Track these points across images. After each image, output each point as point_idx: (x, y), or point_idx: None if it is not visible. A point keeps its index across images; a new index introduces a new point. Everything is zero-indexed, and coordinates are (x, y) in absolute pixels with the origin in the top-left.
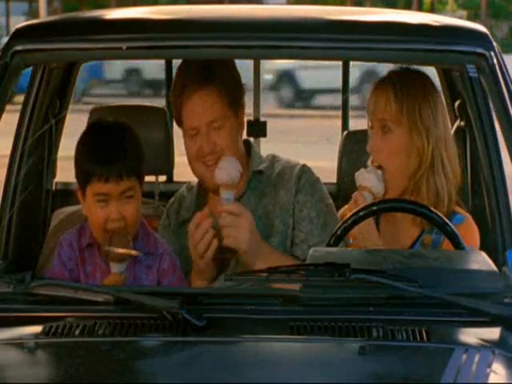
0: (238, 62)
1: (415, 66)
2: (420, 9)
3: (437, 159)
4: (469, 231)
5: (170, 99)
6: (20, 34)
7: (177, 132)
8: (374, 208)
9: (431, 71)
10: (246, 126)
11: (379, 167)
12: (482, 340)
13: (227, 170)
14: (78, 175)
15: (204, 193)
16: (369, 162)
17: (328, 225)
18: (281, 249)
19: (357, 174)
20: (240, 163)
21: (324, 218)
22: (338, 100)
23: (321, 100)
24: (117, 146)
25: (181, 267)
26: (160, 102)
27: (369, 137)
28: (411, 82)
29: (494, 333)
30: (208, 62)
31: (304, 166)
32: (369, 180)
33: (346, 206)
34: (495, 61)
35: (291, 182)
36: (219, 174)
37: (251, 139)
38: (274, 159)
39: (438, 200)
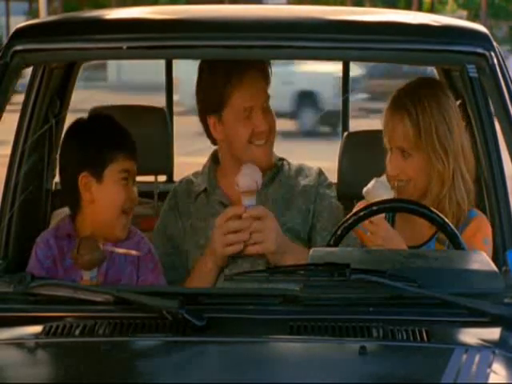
0: None
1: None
2: (420, 9)
3: (457, 174)
4: (484, 222)
5: (201, 88)
6: (20, 34)
7: (177, 132)
8: (375, 208)
9: (431, 71)
10: None
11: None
12: (482, 340)
13: (251, 176)
14: (91, 159)
15: (215, 174)
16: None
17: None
18: (300, 229)
19: (364, 191)
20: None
21: (339, 213)
22: None
23: None
24: (127, 132)
25: (190, 242)
26: None
27: (387, 158)
28: (424, 98)
29: (494, 333)
30: None
31: (319, 167)
32: (379, 195)
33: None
34: (495, 61)
35: (312, 177)
36: (243, 180)
37: None
38: (286, 159)
39: (459, 209)
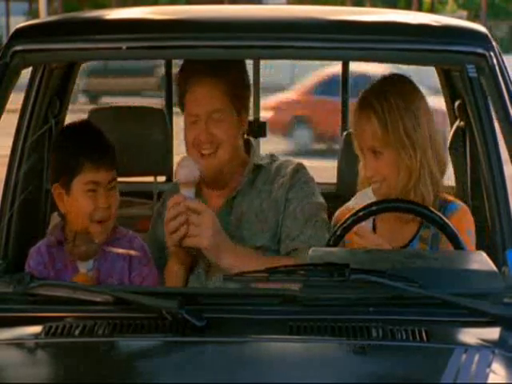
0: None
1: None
2: (420, 9)
3: (423, 170)
4: (468, 214)
5: (177, 84)
6: (20, 34)
7: (177, 133)
8: (374, 208)
9: (431, 71)
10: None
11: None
12: (482, 340)
13: (188, 167)
14: (61, 170)
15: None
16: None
17: (310, 220)
18: (270, 244)
19: (354, 202)
20: (239, 160)
21: (309, 213)
22: None
23: None
24: (101, 140)
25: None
26: None
27: (360, 164)
28: (390, 96)
29: (493, 333)
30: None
31: (299, 164)
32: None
33: (343, 207)
34: (495, 61)
35: (285, 179)
36: (181, 171)
37: (251, 138)
38: (272, 158)
39: (423, 202)
